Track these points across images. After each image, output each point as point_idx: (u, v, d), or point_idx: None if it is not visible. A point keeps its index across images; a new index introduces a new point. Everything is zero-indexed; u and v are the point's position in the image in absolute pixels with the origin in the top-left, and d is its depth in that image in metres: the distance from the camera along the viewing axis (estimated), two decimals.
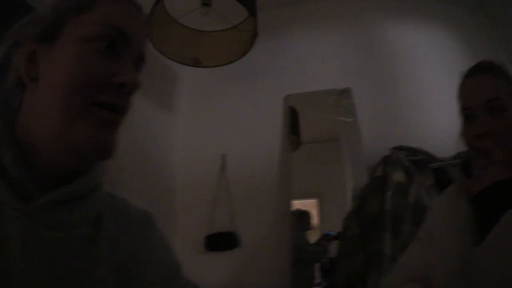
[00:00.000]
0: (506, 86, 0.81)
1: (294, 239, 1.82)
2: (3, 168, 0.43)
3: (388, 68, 2.02)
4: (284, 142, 1.97)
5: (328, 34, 2.21)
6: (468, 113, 0.81)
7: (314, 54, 2.15)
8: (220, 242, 1.87)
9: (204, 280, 0.67)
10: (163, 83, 2.23)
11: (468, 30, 2.04)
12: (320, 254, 1.81)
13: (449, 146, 1.15)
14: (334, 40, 2.18)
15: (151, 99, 2.04)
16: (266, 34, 1.75)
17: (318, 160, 2.02)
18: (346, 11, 2.23)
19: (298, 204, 1.93)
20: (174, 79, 2.32)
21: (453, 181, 0.89)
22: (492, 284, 0.68)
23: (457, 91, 0.85)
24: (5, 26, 0.51)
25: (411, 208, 1.36)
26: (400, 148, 1.62)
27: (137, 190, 1.86)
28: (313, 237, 1.92)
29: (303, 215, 1.93)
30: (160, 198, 2.00)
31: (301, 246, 1.85)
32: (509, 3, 1.92)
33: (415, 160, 1.54)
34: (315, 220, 1.94)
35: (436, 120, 1.78)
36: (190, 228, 2.01)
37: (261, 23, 1.63)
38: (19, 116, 0.48)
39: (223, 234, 1.89)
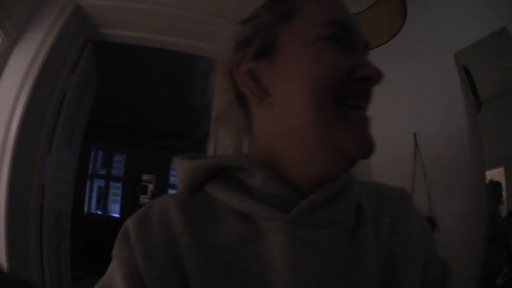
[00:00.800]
0: None
1: (489, 215, 1.59)
2: (252, 189, 0.45)
3: None
4: (468, 106, 1.75)
5: None
6: None
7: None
8: None
9: None
10: None
11: None
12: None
13: None
14: None
15: None
16: None
17: (496, 119, 1.73)
18: None
19: (490, 174, 1.65)
20: None
21: None
22: None
23: None
24: None
25: None
26: None
27: None
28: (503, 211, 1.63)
29: (495, 187, 1.65)
30: None
31: (495, 223, 1.61)
32: None
33: None
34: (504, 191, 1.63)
35: None
36: None
37: None
38: (256, 136, 0.50)
39: None
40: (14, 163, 1.51)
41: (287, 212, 0.43)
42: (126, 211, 6.09)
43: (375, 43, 1.65)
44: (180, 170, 0.51)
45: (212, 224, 0.45)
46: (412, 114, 1.98)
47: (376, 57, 1.83)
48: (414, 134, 1.91)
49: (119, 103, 4.88)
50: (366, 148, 0.44)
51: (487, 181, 1.65)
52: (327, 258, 0.43)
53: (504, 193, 1.65)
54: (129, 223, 0.45)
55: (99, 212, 6.26)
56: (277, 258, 0.41)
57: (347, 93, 0.44)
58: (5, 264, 1.43)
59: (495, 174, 1.67)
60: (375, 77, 0.45)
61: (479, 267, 1.52)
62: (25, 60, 1.60)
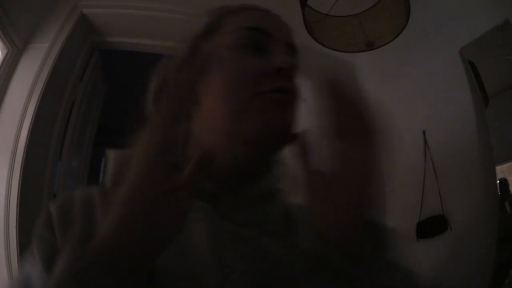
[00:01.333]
0: None
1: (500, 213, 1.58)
2: None
3: None
4: (475, 101, 1.74)
5: None
6: None
7: None
8: (431, 227, 1.74)
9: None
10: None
11: None
12: None
13: None
14: None
15: None
16: None
17: (504, 114, 1.74)
18: None
19: (500, 169, 1.65)
20: (353, 71, 2.33)
21: None
22: None
23: None
24: None
25: None
26: None
27: None
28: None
29: (502, 183, 1.66)
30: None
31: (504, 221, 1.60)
32: None
33: None
34: None
35: None
36: (401, 216, 1.94)
37: None
38: (193, 137, 0.52)
39: (433, 218, 1.74)
40: (25, 172, 1.52)
41: (214, 206, 0.45)
42: None
43: (380, 42, 1.66)
44: (110, 161, 0.52)
45: None
46: (420, 112, 1.97)
47: (382, 56, 1.86)
48: (424, 132, 1.89)
49: (128, 109, 4.92)
50: (274, 127, 0.45)
51: (497, 176, 1.64)
52: (253, 255, 0.43)
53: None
54: (52, 208, 0.45)
55: None
56: (202, 250, 0.41)
57: (265, 89, 0.46)
58: (17, 272, 1.45)
59: (505, 168, 1.66)
60: (285, 65, 0.47)
61: (491, 264, 1.51)
62: (32, 70, 1.62)
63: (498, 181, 1.65)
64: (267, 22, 0.52)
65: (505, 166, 1.66)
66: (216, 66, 0.50)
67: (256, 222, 0.47)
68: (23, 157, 1.52)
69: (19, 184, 1.50)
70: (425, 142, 1.88)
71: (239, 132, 0.46)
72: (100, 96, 2.62)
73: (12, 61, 1.63)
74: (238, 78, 0.47)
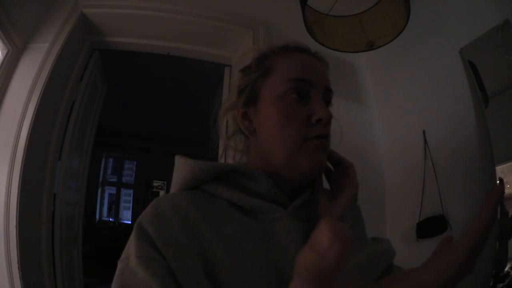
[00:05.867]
0: None
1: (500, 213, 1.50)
2: (254, 191, 0.60)
3: None
4: (475, 101, 1.72)
5: None
6: None
7: None
8: (431, 227, 1.73)
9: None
10: (347, 79, 2.29)
11: None
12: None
13: None
14: None
15: (344, 99, 2.12)
16: None
17: (504, 114, 1.68)
18: None
19: (500, 169, 1.58)
20: (353, 71, 2.33)
21: None
22: None
23: None
24: None
25: None
26: None
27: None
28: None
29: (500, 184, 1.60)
30: (370, 192, 1.98)
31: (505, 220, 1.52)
32: None
33: None
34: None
35: None
36: (401, 216, 1.95)
37: None
38: (252, 156, 0.68)
39: (433, 218, 1.73)
40: (25, 172, 1.52)
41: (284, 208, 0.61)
42: (137, 218, 6.12)
43: (380, 42, 1.65)
44: (183, 168, 0.61)
45: (222, 218, 0.55)
46: (420, 112, 1.97)
47: (382, 57, 1.85)
48: (424, 132, 1.89)
49: (128, 110, 4.92)
50: (318, 168, 0.61)
51: (497, 177, 1.61)
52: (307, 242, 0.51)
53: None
54: (145, 225, 0.51)
55: (110, 219, 6.29)
56: (283, 239, 0.55)
57: (312, 135, 0.60)
58: (17, 272, 1.45)
59: (505, 168, 1.64)
60: (325, 118, 0.60)
61: (491, 264, 1.50)
62: (32, 69, 1.62)
63: (498, 181, 1.61)
64: (310, 71, 0.63)
65: (505, 166, 1.65)
66: (270, 108, 0.62)
67: (306, 218, 0.61)
68: (23, 157, 1.52)
69: (19, 184, 1.50)
70: (425, 142, 1.89)
71: (295, 167, 0.60)
72: (100, 96, 2.62)
73: (12, 61, 1.63)
74: (290, 128, 0.60)
